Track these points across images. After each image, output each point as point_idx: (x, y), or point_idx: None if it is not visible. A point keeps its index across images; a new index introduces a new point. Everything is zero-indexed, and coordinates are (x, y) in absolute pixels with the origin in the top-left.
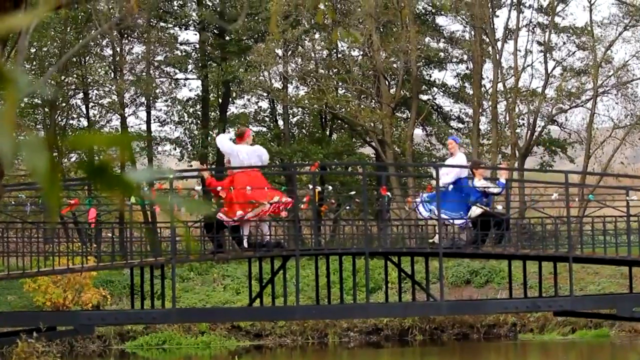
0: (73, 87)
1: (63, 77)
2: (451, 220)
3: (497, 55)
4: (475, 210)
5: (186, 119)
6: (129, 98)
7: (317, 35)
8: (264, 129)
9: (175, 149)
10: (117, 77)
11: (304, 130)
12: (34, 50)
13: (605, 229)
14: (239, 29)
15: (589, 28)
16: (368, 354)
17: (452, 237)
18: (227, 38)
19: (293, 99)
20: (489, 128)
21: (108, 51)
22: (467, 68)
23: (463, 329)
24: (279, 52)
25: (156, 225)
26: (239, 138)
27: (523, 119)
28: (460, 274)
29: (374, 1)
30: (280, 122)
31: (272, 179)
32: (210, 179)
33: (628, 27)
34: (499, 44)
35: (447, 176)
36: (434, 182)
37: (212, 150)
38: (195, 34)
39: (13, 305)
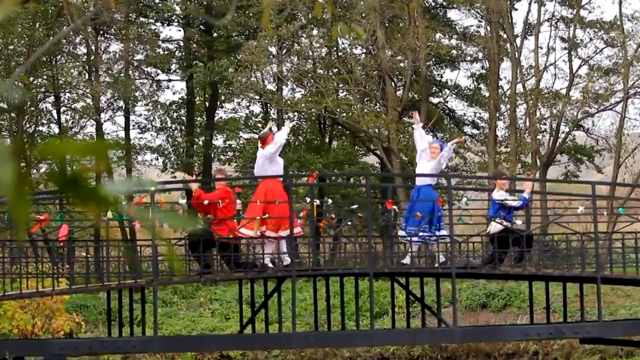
0: (43, 89)
1: (32, 79)
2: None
3: (516, 53)
4: (495, 226)
5: (169, 124)
6: (105, 102)
7: (315, 32)
8: (256, 136)
9: (157, 159)
10: (92, 79)
11: (300, 137)
12: None
13: (637, 246)
14: (228, 24)
15: (619, 22)
16: None
17: (465, 255)
18: (215, 35)
19: (288, 102)
20: (506, 134)
21: (82, 49)
22: (482, 67)
23: (479, 359)
24: (273, 50)
25: (136, 244)
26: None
27: (545, 124)
28: (475, 296)
29: None
30: (274, 129)
31: None
32: (199, 192)
33: None
34: (518, 40)
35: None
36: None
37: (199, 159)
38: (179, 31)
39: None
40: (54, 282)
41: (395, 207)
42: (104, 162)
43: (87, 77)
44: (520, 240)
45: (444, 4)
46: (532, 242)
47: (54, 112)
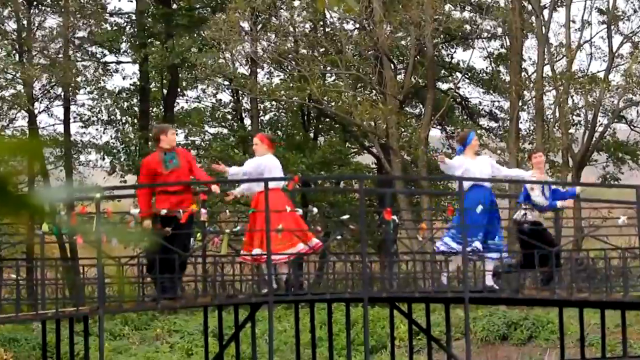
0: None
1: None
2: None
3: (543, 28)
4: (520, 213)
5: (118, 117)
6: (39, 89)
7: (297, 3)
8: (225, 130)
9: (103, 159)
10: (24, 61)
11: (279, 132)
12: None
13: None
14: None
15: None
16: None
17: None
18: (174, 7)
19: (264, 89)
20: (532, 127)
21: (11, 25)
22: (502, 46)
23: None
24: (245, 25)
25: (77, 263)
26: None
27: (579, 115)
28: (493, 326)
29: None
30: (247, 121)
31: (237, 199)
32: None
33: None
34: (546, 12)
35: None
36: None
37: None
38: (131, 1)
39: None
40: None
41: (395, 217)
42: (38, 163)
43: (17, 58)
44: (548, 257)
45: None
46: (560, 259)
47: None
